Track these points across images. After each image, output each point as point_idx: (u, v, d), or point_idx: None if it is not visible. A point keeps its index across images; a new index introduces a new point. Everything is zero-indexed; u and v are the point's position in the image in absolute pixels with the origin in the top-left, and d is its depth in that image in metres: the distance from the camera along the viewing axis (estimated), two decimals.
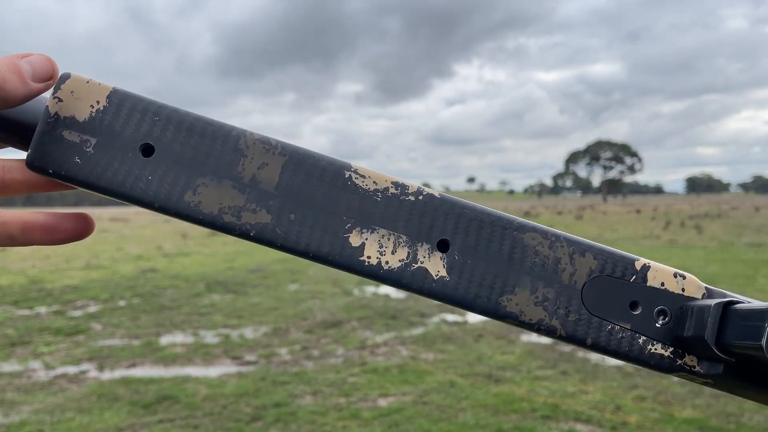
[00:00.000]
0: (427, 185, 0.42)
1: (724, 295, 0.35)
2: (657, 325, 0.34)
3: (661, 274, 0.35)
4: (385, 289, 7.36)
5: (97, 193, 0.34)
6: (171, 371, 4.15)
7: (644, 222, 22.83)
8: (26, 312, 6.27)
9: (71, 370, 4.22)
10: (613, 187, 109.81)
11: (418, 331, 5.23)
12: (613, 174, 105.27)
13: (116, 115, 0.34)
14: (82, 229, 0.35)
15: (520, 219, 0.35)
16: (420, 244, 0.34)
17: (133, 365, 4.30)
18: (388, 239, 0.34)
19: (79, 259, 11.27)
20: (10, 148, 0.37)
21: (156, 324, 5.57)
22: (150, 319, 5.77)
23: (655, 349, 0.34)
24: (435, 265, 0.34)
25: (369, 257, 0.34)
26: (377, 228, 0.34)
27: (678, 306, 0.34)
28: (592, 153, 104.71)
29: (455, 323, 5.50)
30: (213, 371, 4.15)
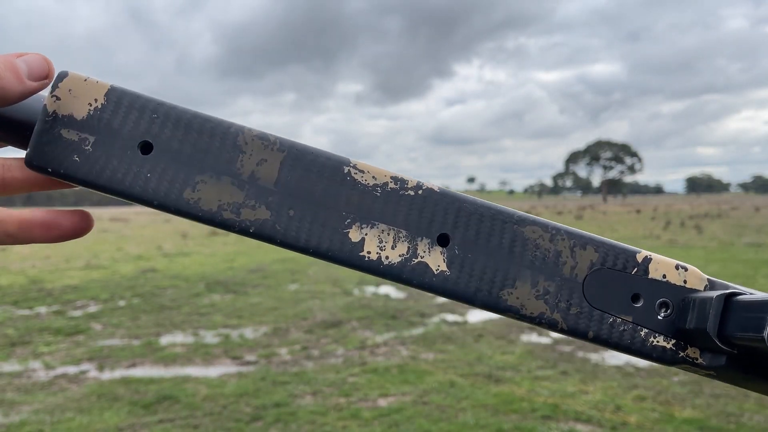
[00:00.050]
0: None
1: (727, 287, 0.34)
2: (659, 317, 0.34)
3: (662, 266, 0.35)
4: (385, 289, 7.36)
5: (97, 191, 0.34)
6: (171, 371, 4.15)
7: (644, 222, 22.83)
8: (26, 312, 6.27)
9: (71, 370, 4.22)
10: (613, 187, 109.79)
11: (418, 331, 5.23)
12: (613, 174, 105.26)
13: (114, 112, 0.34)
14: (80, 226, 0.35)
15: (521, 212, 0.35)
16: (420, 238, 0.34)
17: (133, 365, 4.30)
18: (388, 234, 0.34)
19: (79, 259, 11.27)
20: (10, 148, 0.37)
21: (156, 324, 5.56)
22: (150, 319, 5.77)
23: (657, 342, 0.34)
24: (435, 260, 0.34)
25: (369, 252, 0.34)
26: (377, 223, 0.34)
27: (680, 298, 0.34)
28: (592, 153, 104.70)
29: (455, 323, 5.49)
30: (213, 371, 4.15)
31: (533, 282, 0.34)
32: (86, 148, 0.34)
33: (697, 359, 0.34)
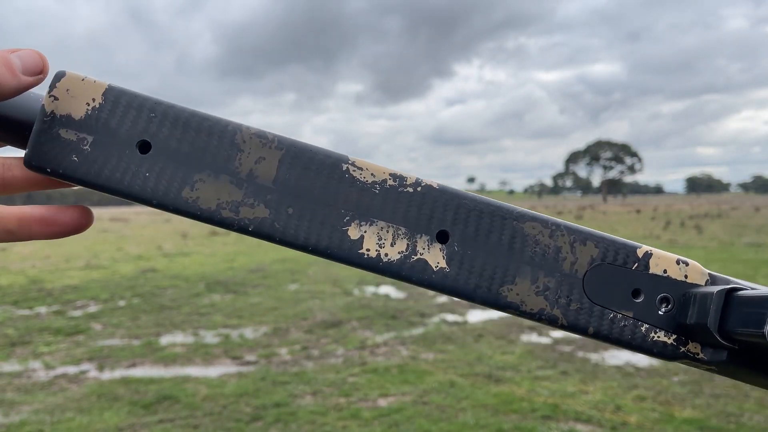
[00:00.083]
0: None
1: (728, 282, 0.34)
2: (660, 312, 0.34)
3: (663, 261, 0.35)
4: (386, 289, 7.36)
5: (96, 191, 0.34)
6: (171, 371, 4.15)
7: (644, 222, 22.83)
8: (26, 312, 6.27)
9: (71, 370, 4.22)
10: (613, 187, 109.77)
11: (418, 331, 5.22)
12: (613, 174, 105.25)
13: (112, 112, 0.34)
14: (80, 221, 0.35)
15: (520, 208, 0.35)
16: (419, 235, 0.34)
17: (133, 365, 4.30)
18: (387, 231, 0.34)
19: (79, 259, 11.27)
20: (10, 147, 0.37)
21: (156, 324, 5.57)
22: (150, 319, 5.77)
23: (658, 337, 0.34)
24: (434, 257, 0.34)
25: (368, 250, 0.34)
26: (376, 220, 0.34)
27: (681, 293, 0.34)
28: (592, 153, 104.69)
29: (455, 323, 5.49)
30: (213, 371, 4.15)
31: (533, 278, 0.34)
32: (85, 147, 0.34)
33: (698, 354, 0.34)
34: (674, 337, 0.34)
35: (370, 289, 7.39)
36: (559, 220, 0.35)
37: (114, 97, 0.34)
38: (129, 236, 18.50)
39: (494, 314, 5.78)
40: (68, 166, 0.33)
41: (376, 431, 3.09)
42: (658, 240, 14.22)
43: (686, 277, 0.34)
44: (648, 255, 0.35)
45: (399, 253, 0.34)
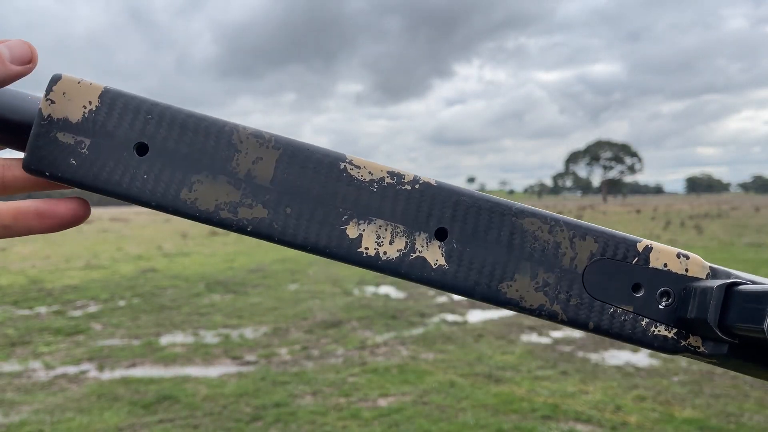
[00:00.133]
0: None
1: (729, 275, 0.34)
2: (660, 306, 0.34)
3: (663, 255, 0.34)
4: (386, 289, 7.36)
5: (95, 193, 0.34)
6: (171, 371, 4.15)
7: (644, 222, 22.83)
8: (26, 312, 6.27)
9: (71, 370, 4.22)
10: (613, 187, 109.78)
11: (418, 331, 5.22)
12: (613, 174, 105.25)
13: (109, 114, 0.34)
14: (76, 213, 0.35)
15: (519, 204, 0.35)
16: (418, 233, 0.34)
17: (133, 365, 4.30)
18: (386, 230, 0.34)
19: (79, 259, 11.27)
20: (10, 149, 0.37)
21: (156, 324, 5.57)
22: (150, 319, 5.77)
23: (659, 331, 0.34)
24: (433, 254, 0.34)
25: (367, 248, 0.34)
26: (374, 219, 0.34)
27: (681, 287, 0.34)
28: (592, 153, 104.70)
29: (455, 323, 5.49)
30: (213, 371, 4.15)
31: (532, 274, 0.34)
32: (82, 151, 0.34)
33: (699, 348, 0.34)
34: (675, 330, 0.34)
35: (370, 289, 7.39)
36: (558, 215, 0.35)
37: (110, 99, 0.34)
38: (129, 236, 18.50)
39: (494, 314, 5.78)
40: (67, 170, 0.34)
41: (376, 431, 3.09)
42: (658, 240, 14.19)
43: (687, 270, 0.34)
44: (648, 249, 0.35)
45: (398, 251, 0.34)
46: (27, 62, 0.33)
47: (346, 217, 0.34)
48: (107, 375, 4.09)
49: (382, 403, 3.49)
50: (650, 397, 3.54)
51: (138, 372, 4.14)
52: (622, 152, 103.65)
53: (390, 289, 7.32)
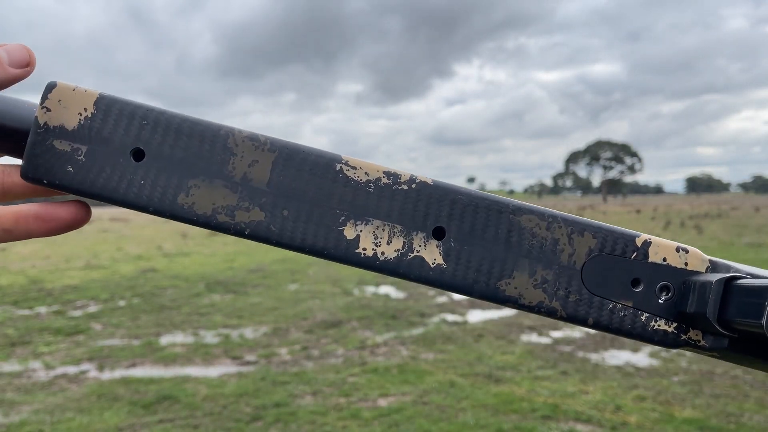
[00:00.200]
0: None
1: (729, 269, 0.34)
2: (660, 301, 0.34)
3: (663, 249, 0.34)
4: (385, 289, 7.36)
5: (93, 200, 0.35)
6: (171, 371, 4.15)
7: (644, 222, 22.83)
8: (26, 312, 6.27)
9: (71, 370, 4.22)
10: (613, 187, 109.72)
11: (418, 331, 5.23)
12: (613, 174, 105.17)
13: (104, 121, 0.34)
14: (77, 216, 0.35)
15: (516, 201, 0.35)
16: (415, 233, 0.34)
17: (133, 365, 4.30)
18: (383, 230, 0.34)
19: (79, 259, 11.27)
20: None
21: (156, 324, 5.57)
22: (150, 319, 5.77)
23: (659, 326, 0.34)
24: (431, 253, 0.34)
25: (365, 249, 0.34)
26: (371, 219, 0.34)
27: (681, 281, 0.34)
28: (592, 153, 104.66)
29: (455, 323, 5.49)
30: (213, 371, 4.15)
31: (531, 271, 0.34)
32: (79, 158, 0.34)
33: (699, 342, 0.34)
34: (675, 325, 0.34)
35: (370, 289, 7.40)
36: (556, 211, 0.35)
37: (105, 105, 0.34)
38: (129, 236, 18.50)
39: (494, 314, 5.78)
40: (64, 177, 0.34)
41: (376, 431, 3.09)
42: None
43: (686, 264, 0.34)
44: (647, 244, 0.34)
45: (395, 251, 0.34)
46: (25, 65, 0.34)
47: (343, 218, 0.34)
48: (107, 375, 4.09)
49: (382, 403, 3.49)
50: (650, 397, 3.54)
51: (138, 372, 4.14)
52: (622, 152, 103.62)
53: (390, 289, 7.32)
